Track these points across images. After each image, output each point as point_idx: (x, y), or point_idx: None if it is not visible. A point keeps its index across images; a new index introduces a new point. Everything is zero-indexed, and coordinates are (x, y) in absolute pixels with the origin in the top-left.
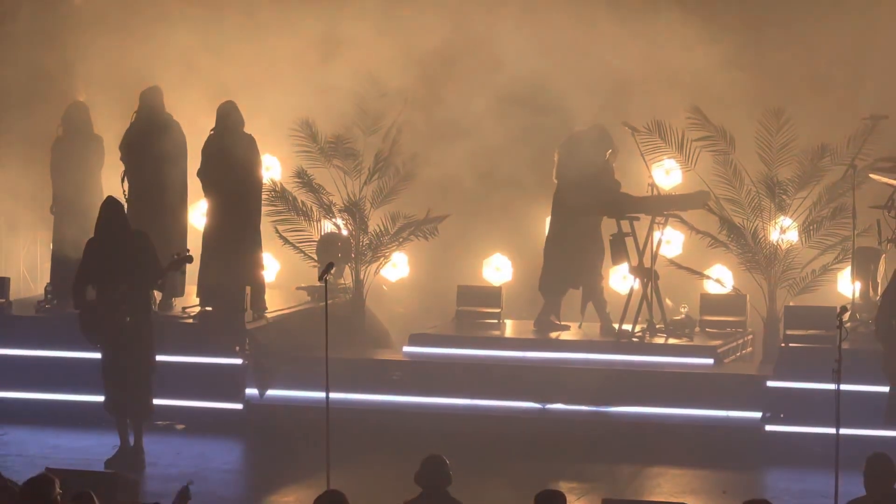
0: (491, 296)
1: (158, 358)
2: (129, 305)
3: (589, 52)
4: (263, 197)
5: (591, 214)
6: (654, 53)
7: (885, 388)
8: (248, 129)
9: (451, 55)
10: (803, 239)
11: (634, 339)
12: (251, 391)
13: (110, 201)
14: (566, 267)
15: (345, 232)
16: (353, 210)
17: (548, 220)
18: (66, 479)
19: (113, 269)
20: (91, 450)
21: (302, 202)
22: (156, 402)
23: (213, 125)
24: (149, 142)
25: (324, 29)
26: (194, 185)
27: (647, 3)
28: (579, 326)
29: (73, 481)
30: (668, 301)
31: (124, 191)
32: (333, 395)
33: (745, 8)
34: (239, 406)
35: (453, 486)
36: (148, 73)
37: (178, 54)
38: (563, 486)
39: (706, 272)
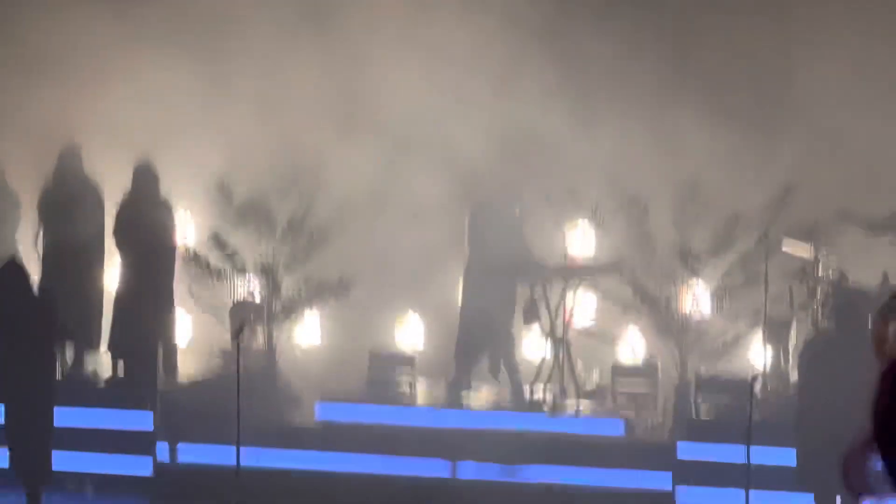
0: (403, 361)
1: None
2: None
3: (502, 115)
4: (177, 260)
5: (508, 280)
6: (568, 119)
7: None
8: (163, 188)
9: (355, 109)
10: (715, 306)
11: (545, 407)
12: (162, 454)
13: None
14: (479, 333)
15: (258, 297)
16: (267, 273)
17: (460, 289)
18: None
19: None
20: None
21: (215, 266)
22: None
23: (128, 185)
24: (66, 202)
25: (236, 83)
26: (109, 245)
27: (570, 76)
28: (496, 392)
29: None
30: (580, 367)
31: (38, 251)
32: (245, 459)
33: (662, 77)
34: (149, 471)
35: None
36: (64, 126)
37: (95, 107)
38: None
39: (618, 340)
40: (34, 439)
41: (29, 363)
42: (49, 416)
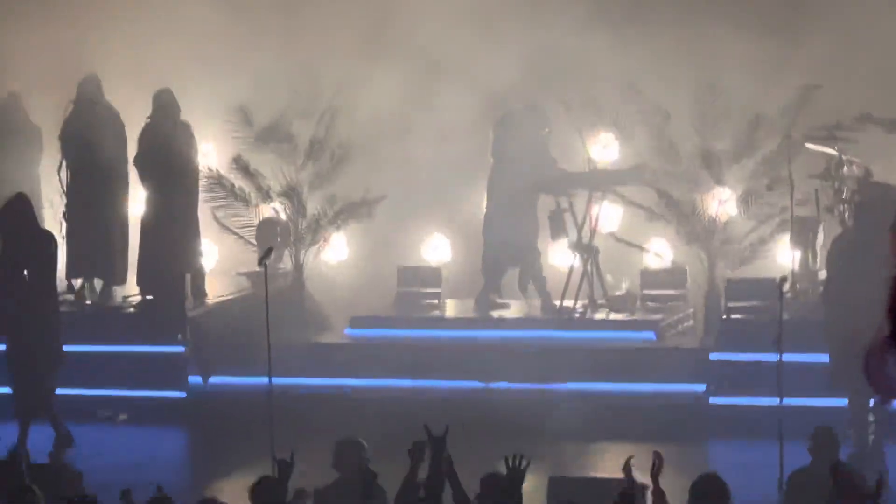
0: (431, 276)
1: (101, 347)
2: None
3: (522, 27)
4: (201, 184)
5: (530, 192)
6: (587, 31)
7: (826, 357)
8: (183, 117)
9: (380, 34)
10: (741, 210)
11: (576, 316)
12: (194, 378)
13: (21, 197)
14: (505, 245)
15: (283, 216)
16: (291, 194)
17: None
18: (7, 471)
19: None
20: (34, 442)
21: (240, 188)
22: (99, 392)
23: (149, 113)
24: (87, 131)
25: (257, 16)
26: (133, 173)
27: None
28: (528, 305)
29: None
30: (608, 276)
31: (61, 180)
32: (276, 380)
33: None
34: (182, 394)
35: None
36: (83, 61)
37: (113, 42)
38: None
39: (645, 246)
40: (34, 372)
41: (32, 297)
42: (51, 351)
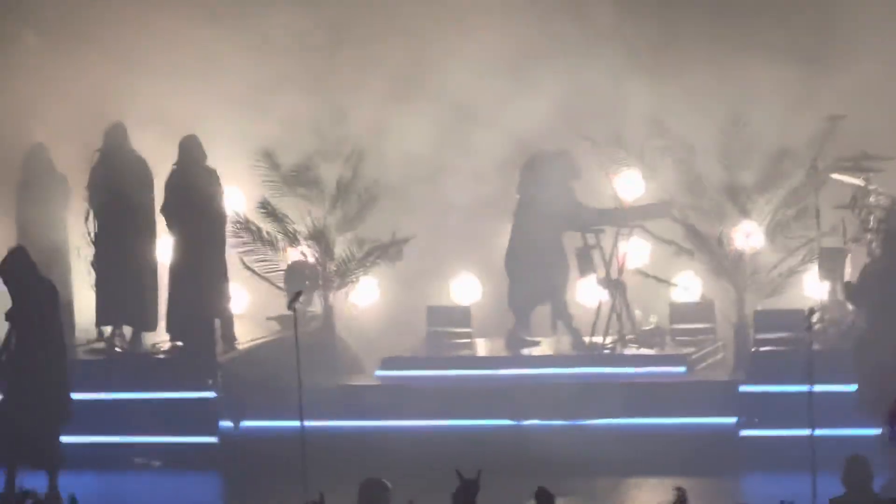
0: (460, 315)
1: (132, 394)
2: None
3: (546, 64)
4: (228, 228)
5: (556, 229)
6: (612, 66)
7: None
8: (209, 162)
9: (407, 78)
10: (769, 242)
11: (605, 351)
12: (225, 424)
13: (20, 250)
14: (532, 282)
15: (311, 260)
16: (319, 237)
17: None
18: None
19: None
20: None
21: (267, 232)
22: (131, 439)
23: (175, 159)
24: (114, 179)
25: (281, 59)
26: (161, 220)
27: (602, 15)
28: (555, 342)
29: None
30: (637, 311)
31: (89, 231)
32: (308, 423)
33: (699, 11)
34: (214, 439)
35: None
36: (108, 109)
37: (138, 89)
38: None
39: (673, 280)
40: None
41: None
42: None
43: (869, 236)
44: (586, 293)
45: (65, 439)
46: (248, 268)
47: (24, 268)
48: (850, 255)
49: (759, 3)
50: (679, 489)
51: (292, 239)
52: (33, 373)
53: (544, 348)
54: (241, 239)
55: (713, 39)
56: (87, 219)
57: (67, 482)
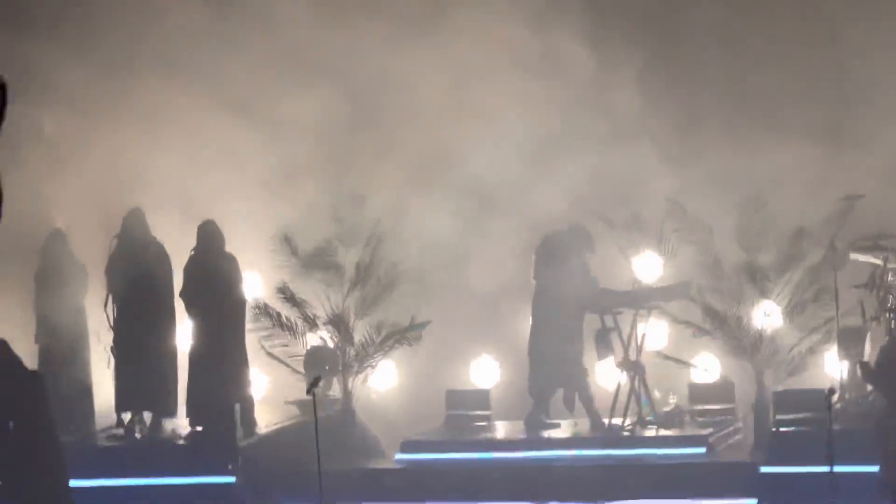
0: (480, 398)
1: (152, 480)
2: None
3: (565, 150)
4: (247, 313)
5: (577, 312)
6: (622, 144)
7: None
8: (228, 247)
9: (426, 164)
10: (787, 322)
11: (625, 433)
12: None
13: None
14: (551, 366)
15: (331, 344)
16: (338, 322)
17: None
18: None
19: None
20: None
21: (286, 317)
22: None
23: (193, 245)
24: (133, 265)
25: (299, 144)
26: (180, 305)
27: (612, 94)
28: (575, 424)
29: None
30: (656, 393)
31: (108, 316)
32: None
33: (718, 93)
34: None
35: None
36: (125, 195)
37: (156, 175)
38: None
39: (692, 361)
40: None
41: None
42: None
43: (888, 315)
44: (605, 375)
45: None
46: (268, 353)
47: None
48: (869, 335)
49: (777, 85)
50: None
51: (311, 323)
52: (27, 465)
53: (564, 430)
54: (260, 324)
55: (731, 121)
56: (105, 304)
57: None
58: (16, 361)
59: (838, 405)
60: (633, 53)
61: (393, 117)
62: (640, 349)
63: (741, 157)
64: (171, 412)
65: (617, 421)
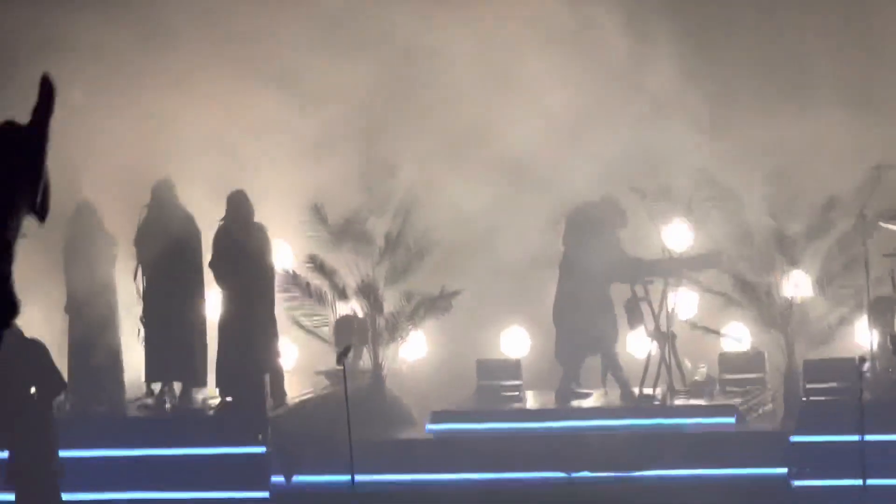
0: (510, 368)
1: (183, 451)
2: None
3: (597, 122)
4: (277, 283)
5: (604, 280)
6: (657, 117)
7: None
8: (257, 217)
9: (457, 134)
10: (818, 292)
11: (655, 403)
12: (276, 479)
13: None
14: (580, 334)
15: (360, 314)
16: (367, 291)
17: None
18: None
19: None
20: None
21: (315, 286)
22: (182, 495)
23: (223, 215)
24: (162, 235)
25: (329, 114)
26: (209, 275)
27: (648, 67)
28: (604, 394)
29: None
30: (686, 362)
31: (137, 287)
32: (359, 478)
33: (745, 65)
34: (266, 494)
35: None
36: (155, 165)
37: (185, 145)
38: None
39: (723, 331)
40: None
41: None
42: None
43: None
44: (636, 345)
45: (118, 496)
46: (297, 323)
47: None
48: None
49: (810, 54)
50: None
51: (341, 293)
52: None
53: (594, 400)
54: (289, 294)
55: (761, 91)
56: (135, 275)
57: None
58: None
59: (869, 374)
60: (667, 25)
61: (427, 90)
62: (670, 319)
63: (772, 128)
64: (201, 382)
65: (647, 390)
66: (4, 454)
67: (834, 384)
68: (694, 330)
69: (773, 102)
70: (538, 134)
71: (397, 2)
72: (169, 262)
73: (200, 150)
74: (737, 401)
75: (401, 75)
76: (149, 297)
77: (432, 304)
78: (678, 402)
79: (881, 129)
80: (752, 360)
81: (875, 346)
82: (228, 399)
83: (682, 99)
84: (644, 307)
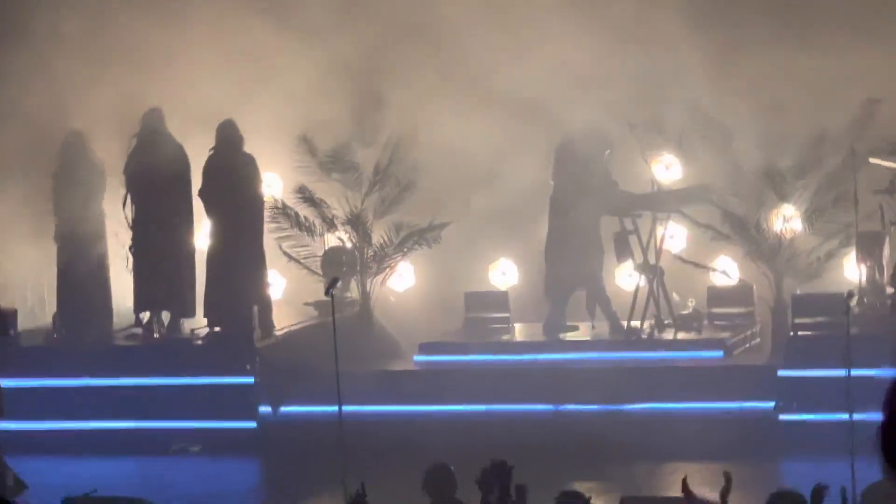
0: (498, 301)
1: (170, 380)
2: None
3: (582, 52)
4: (266, 214)
5: (593, 213)
6: (648, 51)
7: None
8: (247, 147)
9: (445, 65)
10: (807, 227)
11: (643, 336)
12: (264, 409)
13: None
14: (568, 268)
15: (349, 245)
16: (356, 223)
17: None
18: None
19: None
20: (108, 477)
21: (304, 217)
22: (170, 424)
23: (212, 145)
24: (152, 164)
25: (317, 42)
26: (198, 205)
27: (637, 3)
28: (592, 327)
29: None
30: (675, 296)
31: (126, 216)
32: (346, 408)
33: (739, 2)
34: (253, 425)
35: (470, 492)
36: (145, 95)
37: (175, 74)
38: (581, 487)
39: (711, 265)
40: None
41: None
42: None
43: None
44: (624, 278)
45: (106, 425)
46: (286, 254)
47: None
48: (888, 239)
49: None
50: (726, 473)
51: (330, 224)
52: None
53: (582, 333)
54: (278, 225)
55: (751, 25)
56: (124, 204)
57: (108, 468)
58: None
59: (856, 309)
60: None
61: (425, 29)
62: (659, 252)
63: (760, 61)
64: (190, 312)
65: (635, 324)
66: None
67: (821, 319)
68: (682, 264)
69: (762, 36)
70: (534, 69)
71: None
72: (158, 191)
73: (191, 80)
74: (725, 335)
75: (402, 14)
76: (138, 227)
77: (421, 236)
78: (666, 335)
79: (872, 63)
80: (740, 295)
81: (863, 281)
82: (217, 329)
83: (676, 32)
84: (633, 240)
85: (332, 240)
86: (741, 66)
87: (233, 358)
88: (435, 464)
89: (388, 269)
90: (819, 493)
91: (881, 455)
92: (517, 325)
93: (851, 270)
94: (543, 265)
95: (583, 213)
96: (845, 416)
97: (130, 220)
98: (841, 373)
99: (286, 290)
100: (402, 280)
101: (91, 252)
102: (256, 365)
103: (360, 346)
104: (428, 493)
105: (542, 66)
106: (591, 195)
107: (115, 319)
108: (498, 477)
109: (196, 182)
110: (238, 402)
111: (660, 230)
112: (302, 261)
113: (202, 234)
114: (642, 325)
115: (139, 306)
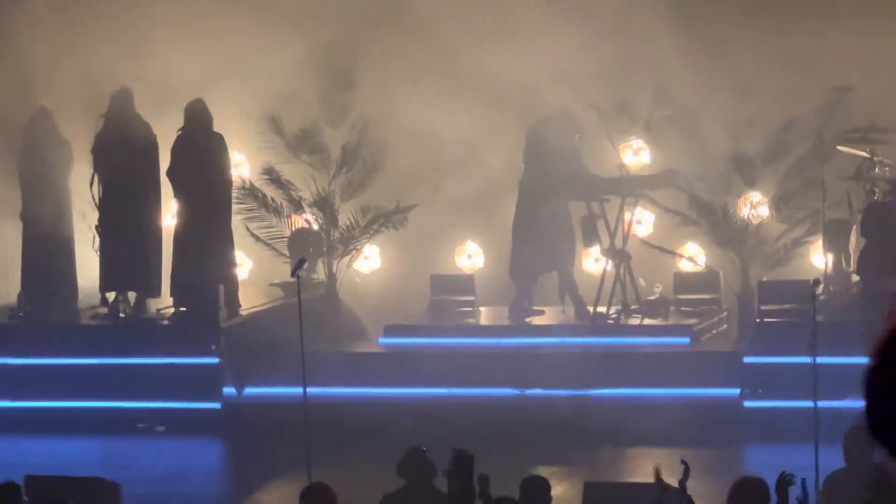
0: (464, 284)
1: (136, 360)
2: None
3: (553, 38)
4: (233, 195)
5: (562, 198)
6: (617, 35)
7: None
8: (216, 127)
9: (417, 49)
10: (774, 213)
11: (609, 321)
12: (229, 390)
13: None
14: (535, 252)
15: (316, 227)
16: (323, 204)
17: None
18: (47, 485)
19: None
20: (71, 456)
21: (272, 198)
22: (134, 404)
23: (181, 124)
24: (119, 144)
25: (287, 23)
26: (166, 185)
27: None
28: (563, 312)
29: (53, 487)
30: (641, 281)
31: (93, 195)
32: (311, 390)
33: None
34: (217, 405)
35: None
36: (113, 74)
37: (144, 55)
38: (545, 471)
39: (679, 251)
40: None
41: None
42: None
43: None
44: (591, 263)
45: (70, 404)
46: (253, 234)
47: None
48: (855, 227)
49: None
50: (683, 461)
51: (297, 206)
52: None
53: (548, 318)
54: (245, 205)
55: (720, 10)
56: (91, 183)
57: (71, 447)
58: None
59: (822, 296)
60: None
61: (398, 13)
62: (626, 237)
63: (729, 46)
64: (156, 292)
65: (602, 309)
66: None
67: (787, 306)
68: (650, 249)
69: (731, 21)
70: (506, 53)
71: None
72: (126, 171)
73: (160, 61)
74: (691, 321)
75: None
76: (105, 206)
77: (387, 219)
78: (632, 321)
79: (841, 51)
80: (706, 281)
81: (829, 269)
82: (182, 309)
83: (643, 16)
84: (599, 225)
85: (299, 221)
86: (711, 51)
87: (198, 338)
88: (413, 447)
89: (354, 252)
90: (784, 482)
91: (865, 402)
92: (483, 309)
93: (818, 258)
94: (509, 248)
95: (552, 196)
96: (810, 404)
97: (97, 200)
98: (806, 360)
99: (252, 270)
100: (369, 262)
101: (57, 231)
102: (221, 345)
103: (325, 327)
104: (404, 476)
105: (514, 51)
106: (560, 179)
107: (80, 298)
108: (460, 468)
109: (164, 162)
110: (202, 382)
111: (627, 215)
112: (269, 242)
113: (169, 213)
114: (609, 310)
115: (105, 286)
